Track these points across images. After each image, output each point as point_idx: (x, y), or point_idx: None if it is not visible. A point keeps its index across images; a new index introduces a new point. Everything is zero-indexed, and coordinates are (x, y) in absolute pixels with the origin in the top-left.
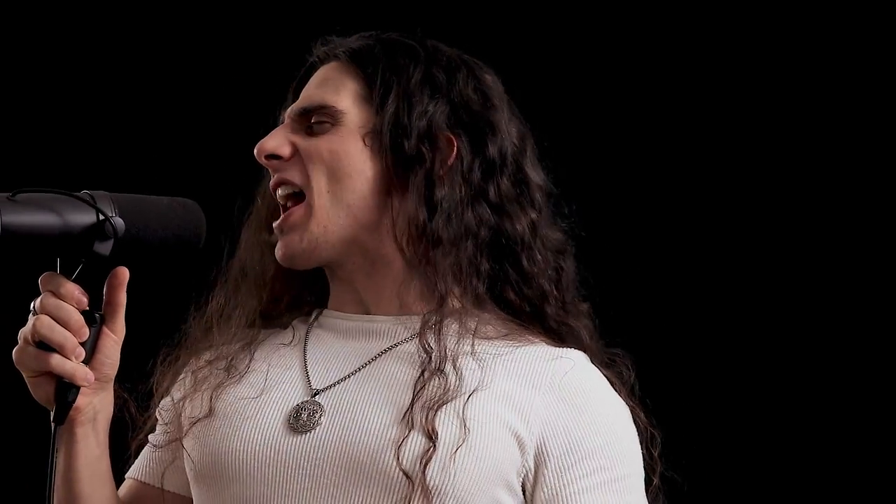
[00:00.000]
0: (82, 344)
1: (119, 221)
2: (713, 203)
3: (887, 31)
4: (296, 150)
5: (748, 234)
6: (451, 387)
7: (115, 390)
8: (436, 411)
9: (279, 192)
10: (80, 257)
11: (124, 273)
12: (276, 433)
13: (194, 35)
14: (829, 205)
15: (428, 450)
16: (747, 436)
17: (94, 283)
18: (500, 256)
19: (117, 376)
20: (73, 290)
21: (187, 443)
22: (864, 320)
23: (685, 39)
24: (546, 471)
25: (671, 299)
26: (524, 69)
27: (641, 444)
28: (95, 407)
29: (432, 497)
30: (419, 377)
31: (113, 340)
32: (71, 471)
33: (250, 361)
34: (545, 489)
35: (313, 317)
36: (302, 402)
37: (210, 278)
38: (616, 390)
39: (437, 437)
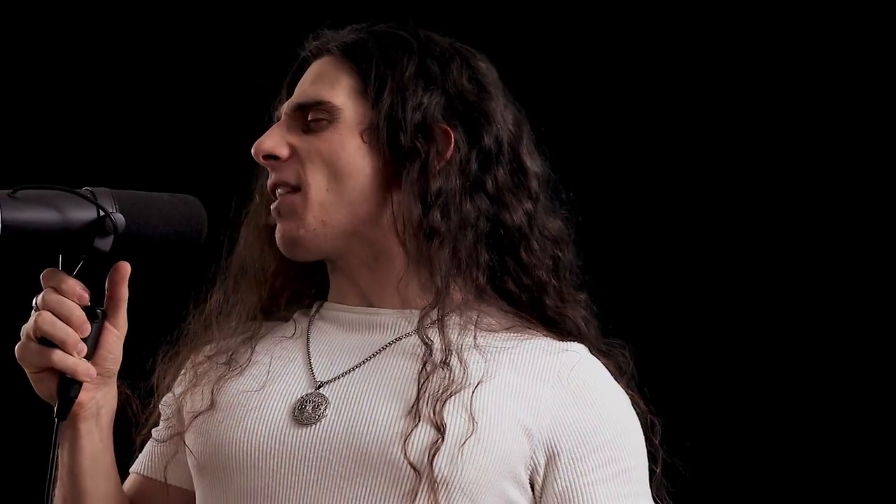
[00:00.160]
0: (84, 340)
1: (119, 217)
2: (710, 191)
3: (887, 31)
4: (294, 151)
5: (746, 222)
6: (457, 379)
7: (117, 386)
8: (443, 403)
9: (278, 191)
10: (81, 254)
11: (126, 268)
12: (280, 425)
13: (190, 32)
14: (822, 193)
15: (436, 441)
16: (747, 422)
17: (95, 279)
18: (499, 247)
19: (120, 372)
20: (74, 286)
21: (189, 436)
22: (861, 305)
23: (681, 23)
24: (559, 463)
25: (669, 286)
26: (517, 55)
27: (643, 431)
28: (98, 402)
29: (439, 489)
30: (422, 370)
31: (115, 335)
32: (75, 466)
33: (252, 354)
34: (558, 481)
35: (314, 309)
36: (306, 395)
37: (209, 274)
38: (616, 379)
39: (445, 429)
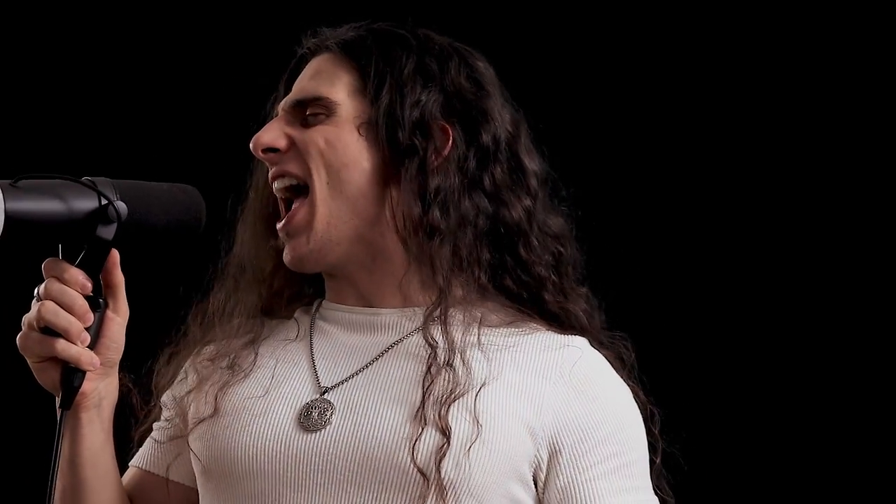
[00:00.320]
0: (87, 329)
1: (122, 205)
2: (707, 185)
3: (887, 31)
4: (292, 143)
5: (746, 215)
6: (461, 381)
7: (119, 378)
8: (448, 407)
9: (277, 184)
10: (83, 242)
11: (115, 254)
12: (287, 431)
13: (188, 28)
14: (818, 184)
15: (442, 446)
16: (747, 413)
17: (97, 269)
18: (499, 244)
19: (122, 364)
20: (76, 275)
21: (194, 441)
22: (860, 296)
23: (678, 21)
24: (561, 459)
25: (670, 278)
26: (515, 55)
27: (643, 422)
28: (100, 393)
29: (447, 493)
30: (426, 373)
31: (117, 323)
32: (76, 456)
33: (255, 358)
34: (561, 477)
35: (315, 308)
36: (312, 401)
37: (207, 273)
38: (617, 371)
39: (451, 434)
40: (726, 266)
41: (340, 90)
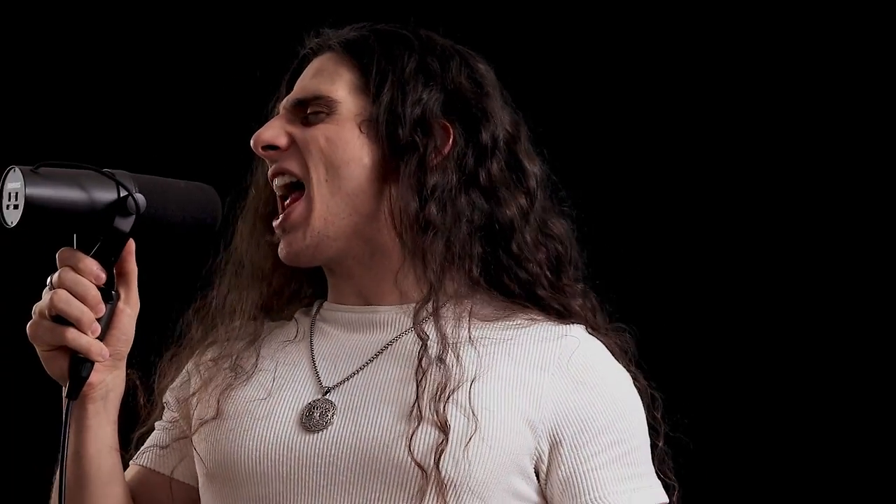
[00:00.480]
0: (98, 320)
1: (141, 198)
2: (706, 180)
3: (887, 31)
4: (293, 140)
5: (747, 209)
6: (453, 375)
7: (126, 374)
8: (443, 402)
9: (276, 181)
10: (100, 233)
11: (131, 244)
12: (289, 432)
13: (192, 28)
14: (813, 178)
15: (440, 442)
16: (748, 400)
17: (111, 261)
18: (493, 241)
19: (130, 361)
20: (91, 265)
21: (198, 444)
22: (861, 287)
23: (678, 22)
24: (562, 450)
25: (672, 270)
26: (517, 59)
27: (644, 407)
28: (108, 385)
29: (447, 490)
30: (417, 368)
31: (128, 315)
32: (81, 447)
33: (257, 360)
34: (562, 468)
35: (315, 309)
36: (314, 401)
37: (207, 271)
38: (615, 356)
39: (448, 429)
40: (726, 259)
41: (341, 88)
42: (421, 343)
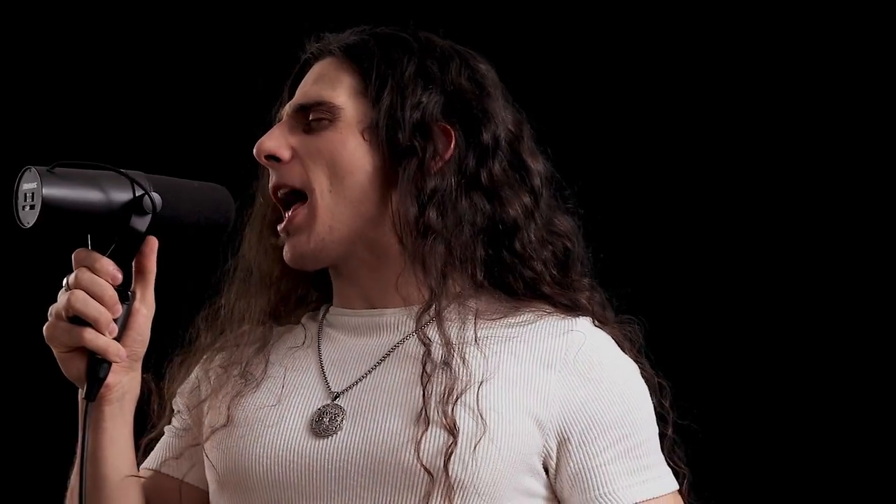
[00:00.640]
0: (115, 320)
1: (157, 197)
2: (711, 177)
3: (887, 31)
4: (295, 153)
5: (752, 205)
6: (460, 378)
7: (142, 378)
8: (451, 405)
9: (279, 193)
10: (116, 233)
11: (154, 242)
12: (299, 439)
13: (191, 34)
14: (816, 172)
15: (449, 444)
16: (756, 392)
17: (126, 261)
18: (496, 241)
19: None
20: (108, 265)
21: (209, 451)
22: (867, 276)
23: (680, 19)
24: (570, 447)
25: (680, 265)
26: (517, 57)
27: (651, 396)
28: (124, 387)
29: (455, 491)
30: (422, 373)
31: (144, 316)
32: (97, 450)
33: (266, 366)
34: (571, 464)
35: (321, 314)
36: (323, 406)
37: (214, 278)
38: (621, 347)
39: (458, 431)
40: (733, 249)
41: (342, 93)
42: (424, 347)
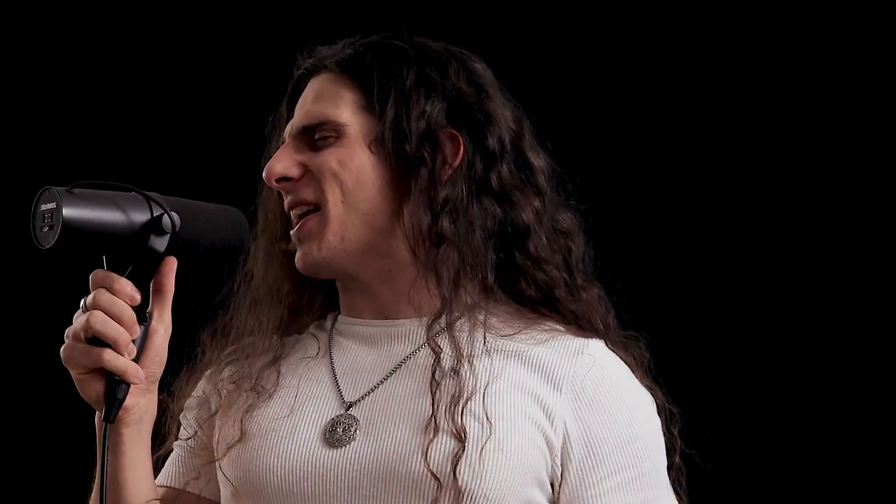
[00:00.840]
0: (133, 341)
1: (176, 216)
2: (722, 184)
3: (887, 31)
4: (306, 169)
5: (763, 212)
6: (467, 385)
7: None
8: (458, 412)
9: (294, 212)
10: (135, 253)
11: (173, 261)
12: (313, 449)
13: (192, 40)
14: (829, 178)
15: (457, 451)
16: (765, 412)
17: (144, 282)
18: (508, 245)
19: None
20: (126, 286)
21: (225, 467)
22: (875, 292)
23: (678, 14)
24: (568, 473)
25: (686, 274)
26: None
27: (661, 423)
28: (142, 408)
29: (463, 497)
30: (431, 381)
31: (161, 337)
32: (118, 473)
33: (278, 377)
34: (566, 490)
35: (330, 323)
36: (336, 416)
37: (222, 294)
38: (634, 373)
39: (465, 437)
40: (743, 265)
41: (345, 110)
42: (434, 356)
